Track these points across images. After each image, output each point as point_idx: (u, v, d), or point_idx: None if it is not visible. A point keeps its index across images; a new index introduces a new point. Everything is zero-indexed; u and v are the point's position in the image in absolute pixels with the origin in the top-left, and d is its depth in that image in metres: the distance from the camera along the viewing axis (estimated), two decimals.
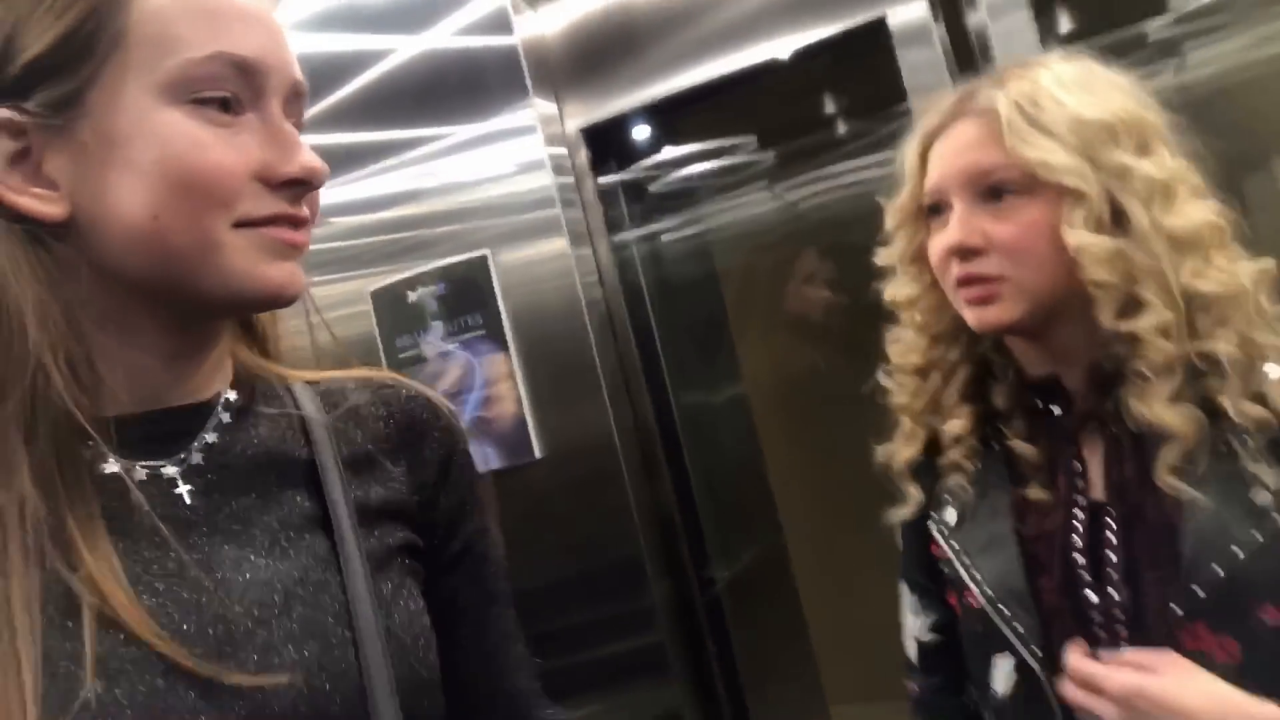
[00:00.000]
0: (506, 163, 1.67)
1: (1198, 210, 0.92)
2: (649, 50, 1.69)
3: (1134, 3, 1.57)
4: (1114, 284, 0.90)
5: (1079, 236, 0.90)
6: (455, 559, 0.80)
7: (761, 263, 2.01)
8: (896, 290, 1.08)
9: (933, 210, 1.01)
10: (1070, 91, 0.94)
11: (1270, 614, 0.87)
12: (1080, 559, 0.94)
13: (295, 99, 0.68)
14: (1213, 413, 0.90)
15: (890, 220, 1.07)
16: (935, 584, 1.08)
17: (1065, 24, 1.56)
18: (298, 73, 0.68)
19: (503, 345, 1.63)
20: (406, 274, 1.68)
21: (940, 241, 0.98)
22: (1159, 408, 0.90)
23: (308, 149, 0.66)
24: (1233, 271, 0.92)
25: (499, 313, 1.64)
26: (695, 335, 2.00)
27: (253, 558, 0.67)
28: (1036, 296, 0.94)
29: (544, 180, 1.65)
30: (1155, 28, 1.54)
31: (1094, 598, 0.92)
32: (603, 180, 1.80)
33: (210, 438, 0.69)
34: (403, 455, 0.77)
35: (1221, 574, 0.87)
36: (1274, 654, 0.87)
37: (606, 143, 1.79)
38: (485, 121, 1.68)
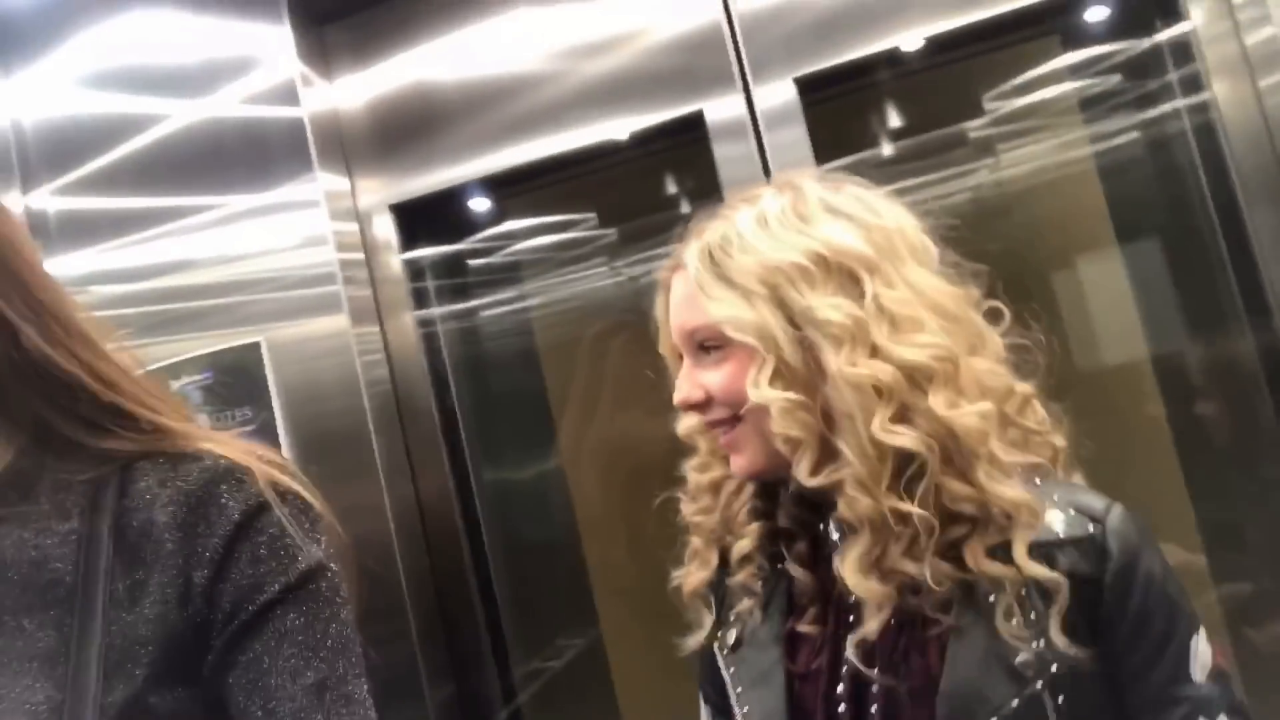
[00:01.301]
0: (286, 237, 1.59)
1: (907, 351, 0.84)
2: (459, 129, 1.65)
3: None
4: (799, 438, 0.86)
5: (759, 394, 0.86)
6: (239, 652, 0.69)
7: (582, 339, 1.95)
8: (683, 423, 1.04)
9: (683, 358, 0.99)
10: (763, 233, 0.89)
11: None
12: (842, 706, 0.89)
13: None
14: (964, 565, 0.85)
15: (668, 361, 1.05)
16: (727, 701, 1.02)
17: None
18: None
19: (275, 441, 1.52)
20: (169, 361, 1.57)
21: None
22: (847, 568, 0.85)
23: None
24: (949, 416, 0.84)
25: (271, 405, 1.53)
26: (511, 414, 1.92)
27: None
28: (769, 440, 0.89)
29: (325, 255, 1.57)
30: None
31: None
32: (409, 255, 1.73)
33: None
34: (189, 539, 0.67)
35: None
36: None
37: (414, 218, 1.73)
38: (265, 193, 1.60)
